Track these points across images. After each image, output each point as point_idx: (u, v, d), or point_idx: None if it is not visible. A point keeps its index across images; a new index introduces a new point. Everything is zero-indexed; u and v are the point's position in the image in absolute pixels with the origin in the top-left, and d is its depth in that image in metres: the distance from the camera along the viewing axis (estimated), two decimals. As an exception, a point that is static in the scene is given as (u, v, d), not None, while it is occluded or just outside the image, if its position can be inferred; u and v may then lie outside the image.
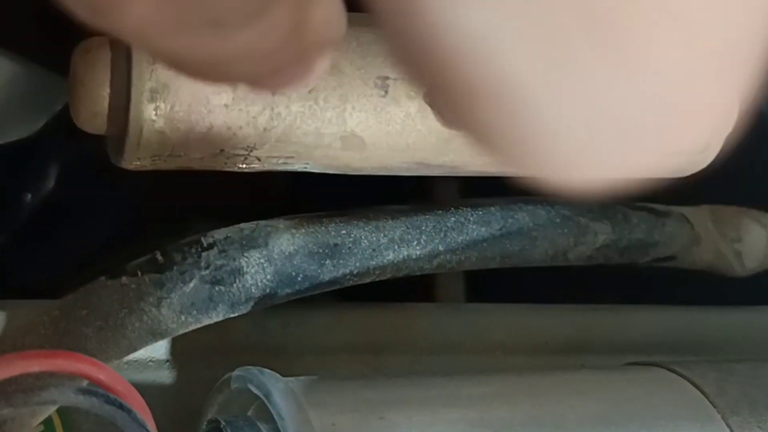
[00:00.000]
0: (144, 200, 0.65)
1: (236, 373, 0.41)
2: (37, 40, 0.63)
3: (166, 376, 0.46)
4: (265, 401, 0.39)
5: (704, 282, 0.55)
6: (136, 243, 0.65)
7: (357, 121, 0.42)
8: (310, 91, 0.41)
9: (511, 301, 0.54)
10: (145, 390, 0.45)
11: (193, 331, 0.42)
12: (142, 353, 0.44)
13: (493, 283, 0.56)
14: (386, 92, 0.42)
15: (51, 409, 0.40)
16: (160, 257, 0.41)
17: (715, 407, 0.44)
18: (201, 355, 0.46)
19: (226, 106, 0.40)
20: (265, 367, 0.41)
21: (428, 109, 0.42)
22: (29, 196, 0.65)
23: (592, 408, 0.44)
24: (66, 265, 0.64)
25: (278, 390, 0.39)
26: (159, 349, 0.46)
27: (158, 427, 0.37)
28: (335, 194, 0.50)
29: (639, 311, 0.55)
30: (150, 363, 0.46)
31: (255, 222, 0.43)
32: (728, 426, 0.43)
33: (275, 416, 0.39)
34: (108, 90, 0.40)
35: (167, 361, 0.46)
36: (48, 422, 0.43)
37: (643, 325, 0.54)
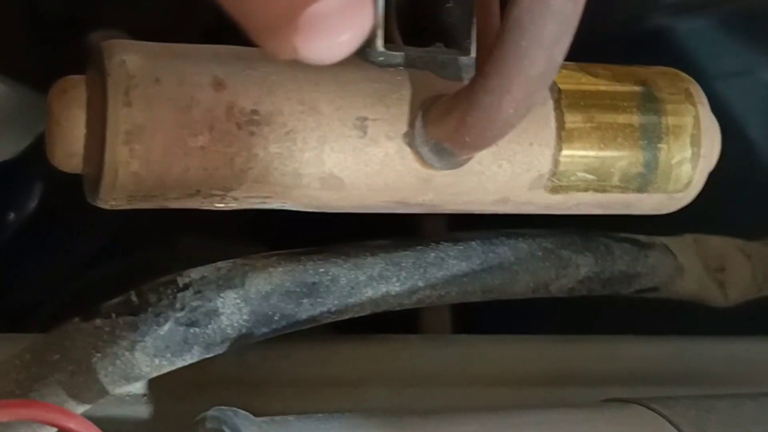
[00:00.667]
0: (128, 218, 0.65)
1: (211, 413, 0.40)
2: (22, 59, 0.62)
3: (143, 411, 0.46)
4: (238, 445, 0.39)
5: (688, 312, 0.55)
6: (121, 260, 0.65)
7: (335, 161, 0.41)
8: (287, 132, 0.40)
9: (501, 332, 0.54)
10: (121, 425, 0.45)
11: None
12: (119, 388, 0.44)
13: (481, 314, 0.56)
14: (365, 133, 0.41)
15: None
16: (134, 298, 0.41)
17: (692, 447, 0.44)
18: (179, 390, 0.46)
19: (202, 147, 0.39)
20: (244, 402, 0.41)
21: (407, 149, 0.42)
22: (12, 215, 0.65)
23: (569, 447, 0.44)
24: (50, 283, 0.64)
25: (251, 433, 0.39)
26: (136, 384, 0.45)
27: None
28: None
29: (621, 342, 0.55)
30: (127, 398, 0.46)
31: (232, 260, 0.42)
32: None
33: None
34: (84, 131, 0.40)
35: (144, 395, 0.46)
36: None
37: (625, 356, 0.54)
